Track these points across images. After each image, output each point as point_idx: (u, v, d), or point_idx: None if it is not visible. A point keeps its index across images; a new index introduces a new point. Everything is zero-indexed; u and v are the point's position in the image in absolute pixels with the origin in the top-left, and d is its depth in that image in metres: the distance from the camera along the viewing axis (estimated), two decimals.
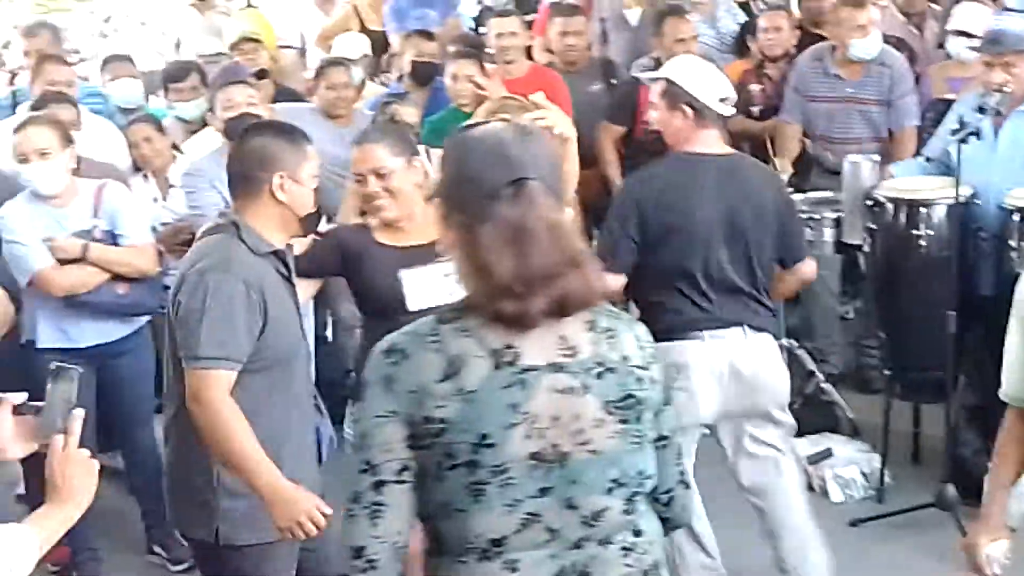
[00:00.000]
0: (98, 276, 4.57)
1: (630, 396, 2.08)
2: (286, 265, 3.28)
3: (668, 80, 4.00)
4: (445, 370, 2.01)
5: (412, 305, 3.41)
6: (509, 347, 2.02)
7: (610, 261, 3.77)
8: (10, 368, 4.37)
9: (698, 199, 3.91)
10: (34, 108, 5.29)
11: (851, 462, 5.08)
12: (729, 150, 4.08)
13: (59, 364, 2.46)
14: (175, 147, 5.77)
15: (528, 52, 6.94)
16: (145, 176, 5.65)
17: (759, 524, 4.06)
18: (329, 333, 6.10)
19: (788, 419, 4.09)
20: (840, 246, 5.51)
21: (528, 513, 2.02)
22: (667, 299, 3.91)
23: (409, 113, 5.70)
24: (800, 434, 4.50)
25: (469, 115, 5.94)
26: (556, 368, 2.04)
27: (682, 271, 3.91)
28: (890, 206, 4.99)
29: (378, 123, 5.25)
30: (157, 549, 4.99)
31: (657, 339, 2.26)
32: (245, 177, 3.23)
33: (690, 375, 3.85)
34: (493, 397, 2.00)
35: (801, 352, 5.67)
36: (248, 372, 3.14)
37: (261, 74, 6.44)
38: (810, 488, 4.90)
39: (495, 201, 2.00)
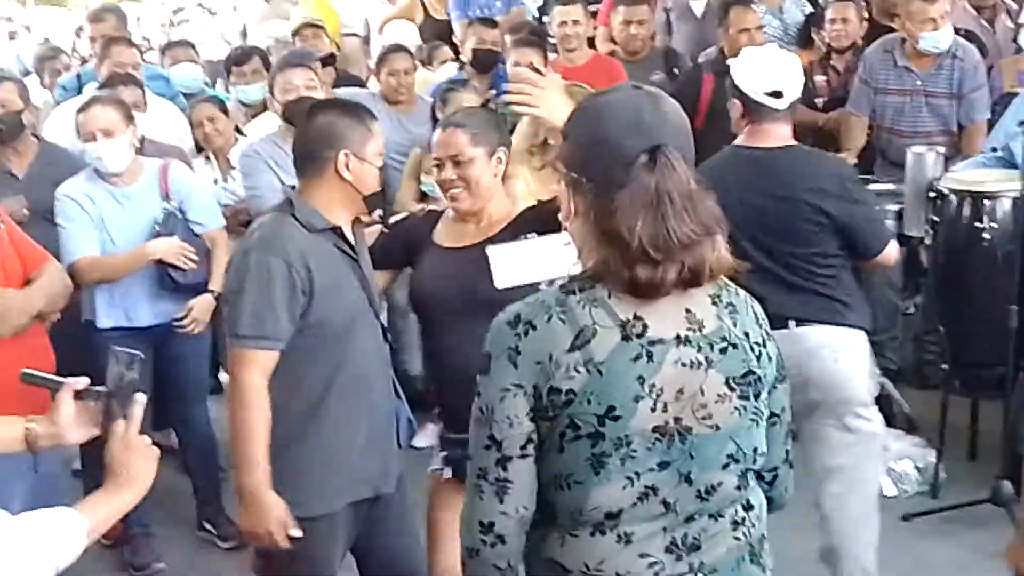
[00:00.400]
0: (125, 270, 4.63)
1: (751, 372, 2.07)
2: (347, 241, 3.25)
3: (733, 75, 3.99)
4: (573, 340, 1.98)
5: (500, 283, 3.31)
6: (637, 318, 2.00)
7: None
8: (71, 346, 4.43)
9: (725, 195, 3.83)
10: (101, 89, 5.36)
11: (905, 456, 5.01)
12: (783, 144, 3.95)
13: (121, 349, 2.44)
14: (237, 130, 5.83)
15: (591, 42, 6.92)
16: (207, 158, 5.71)
17: None
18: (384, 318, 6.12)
19: (856, 422, 3.93)
20: (901, 238, 5.42)
21: (646, 486, 2.01)
22: None
23: (469, 100, 5.70)
24: None
25: None
26: (683, 341, 2.02)
27: None
28: (953, 198, 4.90)
29: (469, 108, 5.17)
30: (207, 526, 5.04)
31: None
32: (311, 155, 3.22)
33: None
34: (622, 369, 1.98)
35: None
36: (300, 346, 3.14)
37: (328, 59, 6.47)
38: None
39: (632, 167, 1.97)
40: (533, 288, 2.40)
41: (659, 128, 2.01)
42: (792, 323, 3.83)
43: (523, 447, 2.02)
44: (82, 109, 4.69)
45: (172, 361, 4.79)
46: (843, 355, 3.91)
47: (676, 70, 6.77)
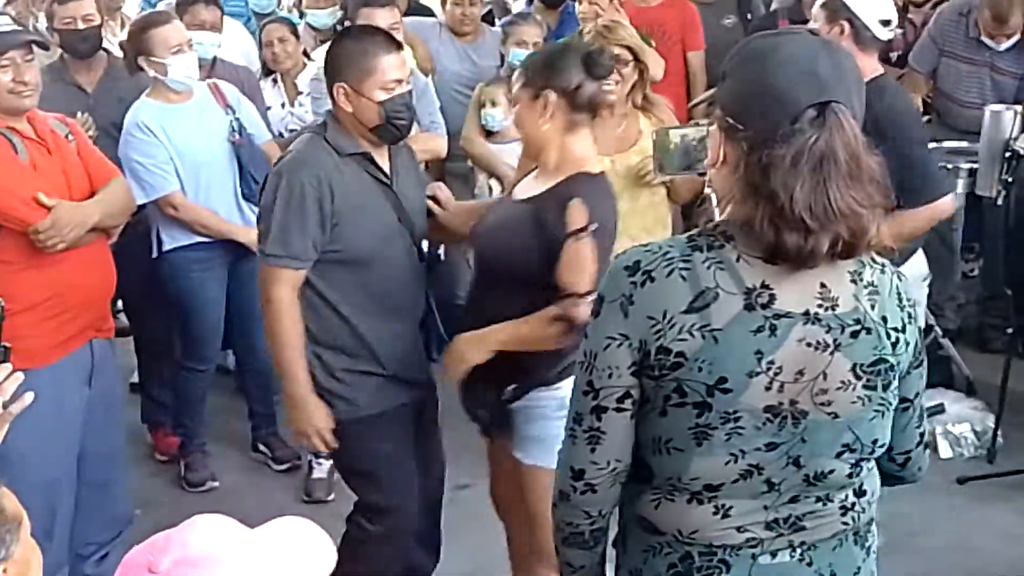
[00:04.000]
0: (209, 229, 4.65)
1: (882, 361, 1.90)
2: (379, 167, 3.29)
3: None
4: (692, 301, 1.85)
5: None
6: (765, 287, 1.85)
7: None
8: (139, 269, 4.46)
9: None
10: (179, 5, 5.32)
11: (963, 419, 4.95)
12: (876, 74, 3.79)
13: None
14: (306, 55, 5.80)
15: None
16: (275, 81, 5.69)
17: None
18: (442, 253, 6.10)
19: None
20: (971, 199, 5.33)
21: (750, 464, 1.89)
22: None
23: (531, 34, 5.61)
24: None
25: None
26: (811, 319, 1.86)
27: None
28: None
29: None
30: (262, 447, 5.08)
31: None
32: (325, 82, 3.32)
33: None
34: (740, 340, 1.84)
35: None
36: (329, 263, 3.24)
37: None
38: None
39: (798, 121, 1.79)
40: None
41: (834, 82, 1.81)
42: None
43: (620, 400, 1.93)
44: (156, 24, 4.61)
45: (242, 282, 4.76)
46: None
47: (749, 15, 6.65)
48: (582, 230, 2.92)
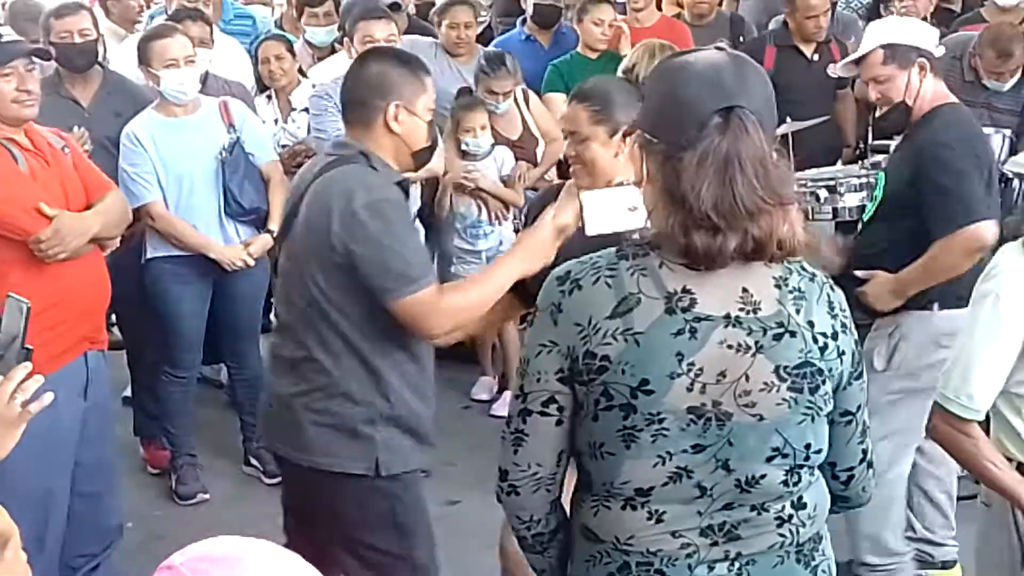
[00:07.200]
0: (187, 243, 4.69)
1: (808, 364, 1.95)
2: (408, 195, 3.19)
3: (885, 46, 3.77)
4: (615, 307, 1.92)
5: (591, 229, 3.02)
6: (686, 291, 1.92)
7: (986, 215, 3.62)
8: (128, 279, 4.48)
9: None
10: (169, 20, 5.38)
11: None
12: (943, 102, 3.84)
13: (11, 295, 2.36)
14: (301, 72, 5.84)
15: (658, 3, 6.88)
16: (269, 97, 5.73)
17: None
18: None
19: None
20: None
21: (679, 467, 1.94)
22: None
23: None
24: None
25: (594, 60, 5.95)
26: (732, 321, 1.92)
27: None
28: (1016, 182, 4.86)
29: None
30: (253, 461, 5.09)
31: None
32: (361, 103, 3.09)
33: None
34: (660, 343, 1.90)
35: None
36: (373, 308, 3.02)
37: (394, 7, 6.44)
38: None
39: (703, 128, 1.87)
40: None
41: (738, 90, 1.90)
42: None
43: (545, 404, 2.00)
44: (157, 37, 4.72)
45: (229, 298, 4.83)
46: None
47: (741, 37, 6.71)
48: None
